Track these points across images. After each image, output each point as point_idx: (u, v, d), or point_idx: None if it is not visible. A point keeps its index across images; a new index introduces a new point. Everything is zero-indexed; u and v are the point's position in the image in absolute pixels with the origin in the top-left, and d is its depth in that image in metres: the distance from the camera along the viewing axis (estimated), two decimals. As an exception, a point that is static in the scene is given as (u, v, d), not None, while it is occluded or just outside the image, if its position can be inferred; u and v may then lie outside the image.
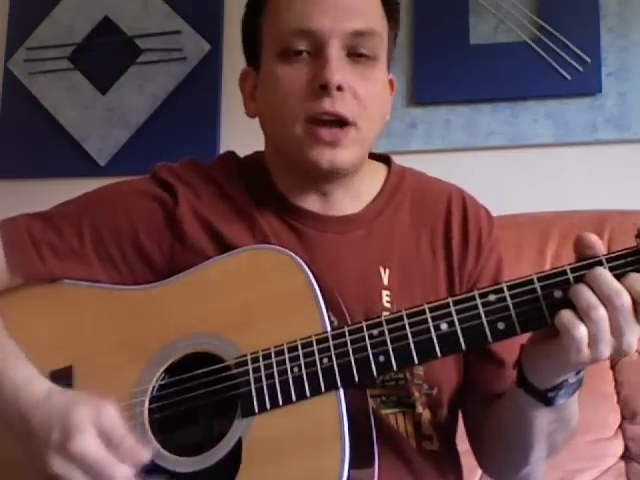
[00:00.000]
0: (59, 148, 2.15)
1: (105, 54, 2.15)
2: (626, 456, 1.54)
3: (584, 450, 1.50)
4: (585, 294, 0.77)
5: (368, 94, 0.97)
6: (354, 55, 0.96)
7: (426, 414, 0.99)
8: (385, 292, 0.99)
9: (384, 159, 1.11)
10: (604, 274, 0.77)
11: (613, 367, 1.58)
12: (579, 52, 1.88)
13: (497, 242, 1.08)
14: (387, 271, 1.00)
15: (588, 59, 1.87)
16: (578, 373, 0.86)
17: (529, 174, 1.89)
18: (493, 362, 1.02)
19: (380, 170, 1.09)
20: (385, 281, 1.00)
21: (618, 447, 1.54)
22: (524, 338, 0.88)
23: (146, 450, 0.86)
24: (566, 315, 0.77)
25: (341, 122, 0.95)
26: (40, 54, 2.18)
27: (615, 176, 1.85)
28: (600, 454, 1.53)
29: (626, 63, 1.87)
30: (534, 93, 1.90)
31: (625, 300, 0.76)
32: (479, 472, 1.18)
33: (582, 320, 0.76)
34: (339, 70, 0.93)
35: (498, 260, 1.06)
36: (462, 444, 1.07)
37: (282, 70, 0.96)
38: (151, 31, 2.13)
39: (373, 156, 1.09)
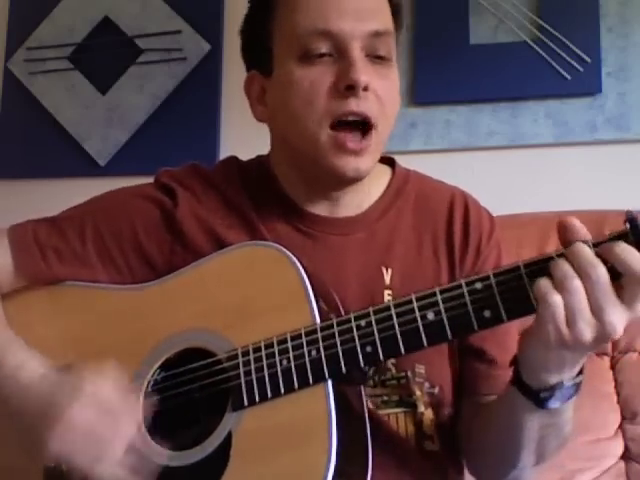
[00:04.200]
0: (59, 148, 2.15)
1: (105, 54, 2.15)
2: (626, 456, 1.54)
3: (584, 450, 1.50)
4: (561, 265, 0.76)
5: (387, 94, 0.98)
6: (372, 57, 0.97)
7: (428, 413, 0.99)
8: (387, 292, 1.00)
9: (388, 161, 1.11)
10: (582, 248, 0.76)
11: (613, 367, 1.58)
12: (579, 52, 1.88)
13: (497, 246, 1.08)
14: (389, 271, 1.01)
15: (588, 59, 1.87)
16: (576, 377, 0.85)
17: (529, 174, 1.89)
18: (484, 361, 1.02)
19: (384, 172, 1.10)
20: (387, 281, 1.00)
21: (618, 447, 1.54)
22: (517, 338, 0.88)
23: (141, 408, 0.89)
24: (542, 282, 0.77)
25: (364, 123, 0.95)
26: (40, 54, 2.18)
27: (615, 176, 1.84)
28: (600, 454, 1.53)
29: (626, 63, 1.87)
30: (534, 93, 1.90)
31: (601, 273, 0.75)
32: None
33: (558, 291, 0.76)
34: (364, 71, 0.94)
35: (497, 262, 1.06)
36: (462, 444, 1.07)
37: (303, 72, 0.96)
38: (151, 31, 2.13)
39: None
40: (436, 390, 0.99)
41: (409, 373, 0.97)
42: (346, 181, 0.99)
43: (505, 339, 0.99)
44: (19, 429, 0.91)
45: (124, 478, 0.87)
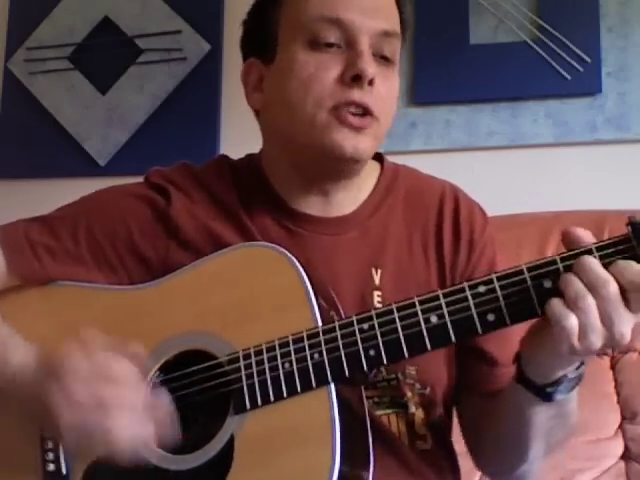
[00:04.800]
0: (59, 148, 2.15)
1: (105, 54, 2.16)
2: (626, 456, 1.54)
3: (584, 450, 1.50)
4: (573, 283, 0.76)
5: (388, 95, 0.98)
6: (378, 56, 0.97)
7: (419, 414, 0.99)
8: (376, 293, 0.99)
9: (377, 157, 1.11)
10: (590, 262, 0.76)
11: (613, 367, 1.58)
12: (579, 52, 1.88)
13: (491, 239, 1.07)
14: (379, 272, 1.00)
15: (588, 59, 1.87)
16: (578, 368, 0.85)
17: (529, 174, 1.89)
18: (486, 362, 1.02)
19: (374, 168, 1.09)
20: (377, 281, 1.00)
21: (618, 447, 1.54)
22: (518, 336, 0.88)
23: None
24: (556, 305, 0.77)
25: (365, 113, 0.95)
26: (40, 54, 2.18)
27: (615, 176, 1.85)
28: (600, 454, 1.53)
29: (626, 63, 1.87)
30: (534, 93, 1.90)
31: (611, 288, 0.75)
32: (479, 473, 1.18)
33: (572, 309, 0.76)
34: (372, 64, 0.95)
35: (492, 258, 1.06)
36: (460, 445, 1.07)
37: (309, 57, 0.96)
38: (151, 31, 2.13)
39: None
40: (427, 391, 0.99)
41: (399, 375, 0.96)
42: (344, 162, 0.97)
43: (506, 338, 0.99)
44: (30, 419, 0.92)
45: (141, 432, 0.85)
